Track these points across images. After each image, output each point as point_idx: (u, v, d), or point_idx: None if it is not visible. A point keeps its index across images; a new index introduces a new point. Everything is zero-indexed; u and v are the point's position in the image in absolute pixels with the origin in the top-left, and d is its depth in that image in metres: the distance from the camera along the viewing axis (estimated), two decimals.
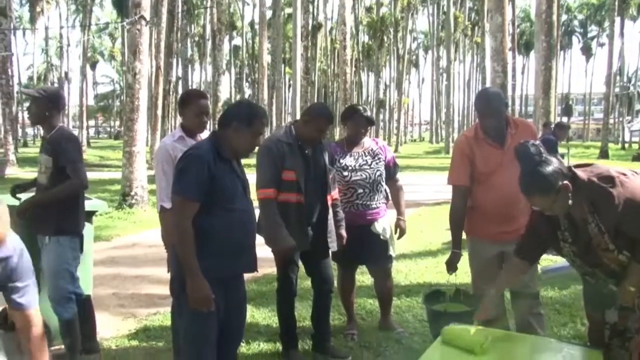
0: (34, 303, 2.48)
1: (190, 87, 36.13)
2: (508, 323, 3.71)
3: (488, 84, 13.16)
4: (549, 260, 5.17)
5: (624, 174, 2.41)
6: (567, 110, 40.01)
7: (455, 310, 3.62)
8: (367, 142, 4.37)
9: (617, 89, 51.99)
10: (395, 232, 4.39)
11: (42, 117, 3.71)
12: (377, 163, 4.27)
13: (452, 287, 3.74)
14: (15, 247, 2.37)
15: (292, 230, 3.70)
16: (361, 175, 4.20)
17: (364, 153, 4.28)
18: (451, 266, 3.64)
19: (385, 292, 4.54)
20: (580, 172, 2.46)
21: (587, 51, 65.95)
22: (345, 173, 4.19)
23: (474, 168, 3.51)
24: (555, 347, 2.79)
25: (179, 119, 4.00)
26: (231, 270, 2.93)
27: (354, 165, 4.21)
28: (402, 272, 6.34)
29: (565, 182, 2.38)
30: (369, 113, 4.37)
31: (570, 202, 2.41)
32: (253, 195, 3.15)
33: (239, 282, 3.06)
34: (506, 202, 3.45)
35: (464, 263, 3.70)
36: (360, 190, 4.21)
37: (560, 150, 12.84)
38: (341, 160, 4.22)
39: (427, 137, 69.43)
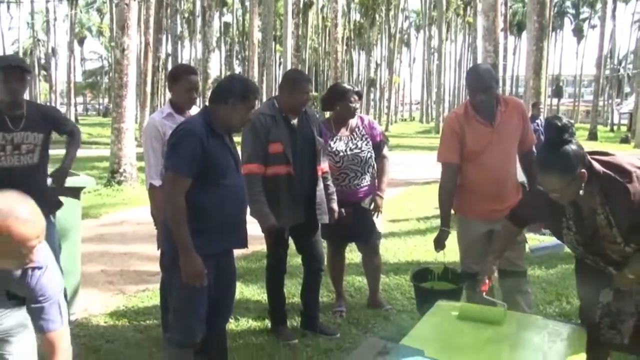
0: (60, 324, 2.17)
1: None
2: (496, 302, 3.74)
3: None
4: (537, 240, 5.22)
5: (639, 168, 2.33)
6: (558, 92, 40.00)
7: (442, 288, 3.65)
8: (353, 120, 4.33)
9: (607, 72, 52.08)
10: (370, 206, 4.32)
11: (23, 93, 3.46)
12: (366, 144, 4.27)
13: (441, 265, 3.76)
14: (45, 259, 2.11)
15: (284, 204, 3.70)
16: (353, 160, 4.20)
17: (353, 136, 4.26)
18: (439, 244, 3.65)
19: (373, 268, 4.56)
20: (595, 163, 2.33)
21: (578, 33, 65.80)
22: (337, 159, 4.18)
23: (464, 146, 3.51)
24: (541, 324, 2.82)
25: (169, 96, 3.95)
26: (222, 246, 2.94)
27: (345, 151, 4.19)
28: (391, 251, 6.38)
29: (583, 170, 2.27)
30: (357, 88, 4.35)
31: (581, 192, 2.30)
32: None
33: (229, 258, 3.07)
34: (496, 180, 3.46)
35: (452, 241, 3.72)
36: (352, 175, 4.23)
37: None
38: (332, 145, 4.19)
39: (417, 117, 69.41)
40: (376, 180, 4.40)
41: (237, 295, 4.62)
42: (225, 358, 3.22)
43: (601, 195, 2.34)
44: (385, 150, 4.47)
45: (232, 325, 4.10)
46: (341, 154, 4.18)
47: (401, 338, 2.52)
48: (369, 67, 49.81)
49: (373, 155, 4.30)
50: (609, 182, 2.30)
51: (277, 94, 3.92)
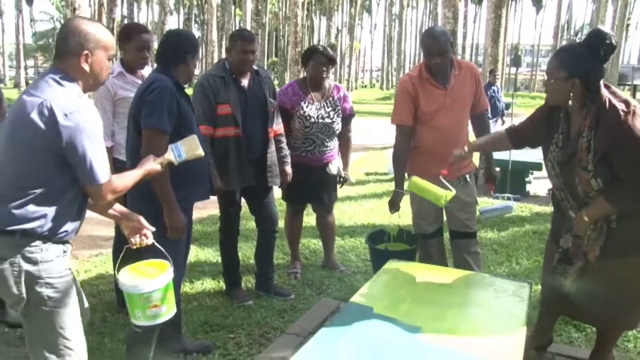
0: None
1: None
2: (447, 262, 3.83)
3: None
4: (488, 202, 5.34)
5: None
6: (516, 61, 40.46)
7: (396, 249, 3.71)
8: (329, 86, 4.30)
9: (564, 42, 52.91)
10: (336, 173, 4.43)
11: None
12: (337, 115, 4.26)
13: (396, 227, 3.82)
14: None
15: (233, 166, 3.67)
16: (322, 129, 4.19)
17: (326, 104, 4.22)
18: (393, 205, 3.70)
19: (327, 227, 4.61)
20: (605, 89, 2.44)
21: (537, 3, 66.42)
22: (307, 124, 4.14)
23: (418, 108, 3.52)
24: (488, 281, 2.92)
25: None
26: (194, 200, 3.03)
27: (315, 117, 4.15)
28: (347, 214, 6.44)
29: (578, 81, 2.40)
30: (330, 52, 4.24)
31: (570, 102, 2.46)
32: None
33: (191, 212, 3.10)
34: (448, 142, 3.48)
35: (408, 204, 3.77)
36: (319, 142, 4.22)
37: (506, 99, 13.09)
38: (304, 108, 4.14)
39: (378, 84, 69.41)
40: (340, 155, 4.46)
41: (192, 258, 4.63)
42: (180, 318, 3.22)
43: (593, 120, 2.42)
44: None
45: (186, 287, 4.10)
46: (312, 119, 4.14)
47: None
48: (330, 32, 49.23)
49: (340, 126, 4.31)
50: (608, 107, 2.39)
51: None
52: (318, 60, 4.13)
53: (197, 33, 53.78)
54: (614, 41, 2.38)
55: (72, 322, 2.11)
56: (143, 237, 2.38)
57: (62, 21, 41.51)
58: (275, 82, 59.71)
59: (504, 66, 34.68)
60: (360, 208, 6.80)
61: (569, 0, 48.89)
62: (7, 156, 2.01)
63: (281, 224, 4.33)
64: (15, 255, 1.98)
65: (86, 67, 2.07)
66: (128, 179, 2.26)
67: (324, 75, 4.18)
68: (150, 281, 2.26)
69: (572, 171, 2.53)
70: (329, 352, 2.12)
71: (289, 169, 4.01)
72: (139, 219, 2.37)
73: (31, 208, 1.98)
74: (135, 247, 2.40)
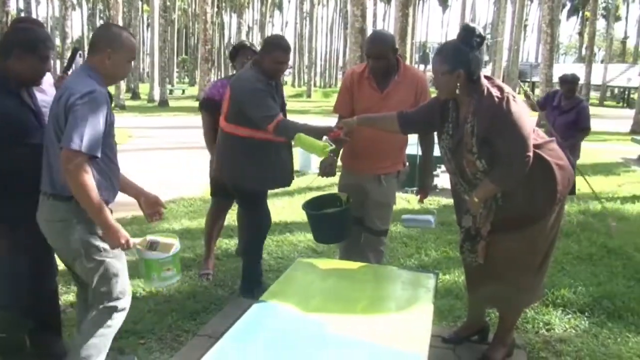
0: None
1: None
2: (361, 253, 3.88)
3: (349, 29, 13.42)
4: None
5: (514, 96, 2.62)
6: (424, 58, 41.88)
7: (330, 210, 3.67)
8: None
9: None
10: None
11: None
12: None
13: (345, 194, 3.72)
14: None
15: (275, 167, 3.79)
16: None
17: None
18: (324, 168, 3.61)
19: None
20: (485, 80, 2.69)
21: (443, 2, 69.00)
22: None
23: (354, 103, 3.58)
24: (395, 274, 3.01)
25: None
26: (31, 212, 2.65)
27: None
28: None
29: (462, 72, 2.61)
30: (256, 47, 4.34)
31: (457, 91, 2.67)
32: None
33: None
34: (375, 142, 3.51)
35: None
36: None
37: None
38: None
39: (289, 81, 69.64)
40: None
41: None
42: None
43: (474, 106, 2.66)
44: None
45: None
46: None
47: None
48: (241, 30, 48.75)
49: None
50: (486, 94, 2.63)
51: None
52: (246, 54, 4.23)
53: None
54: (482, 32, 2.66)
55: (123, 270, 2.61)
56: (157, 215, 2.82)
57: None
58: (186, 80, 58.39)
59: (412, 63, 35.78)
60: (272, 207, 6.72)
61: (472, 1, 51.07)
62: (50, 135, 2.45)
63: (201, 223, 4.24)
64: (76, 216, 2.43)
65: (108, 64, 2.49)
66: (94, 196, 2.35)
67: None
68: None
69: (460, 155, 2.76)
70: (238, 351, 2.11)
71: None
72: (157, 197, 2.81)
73: None
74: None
